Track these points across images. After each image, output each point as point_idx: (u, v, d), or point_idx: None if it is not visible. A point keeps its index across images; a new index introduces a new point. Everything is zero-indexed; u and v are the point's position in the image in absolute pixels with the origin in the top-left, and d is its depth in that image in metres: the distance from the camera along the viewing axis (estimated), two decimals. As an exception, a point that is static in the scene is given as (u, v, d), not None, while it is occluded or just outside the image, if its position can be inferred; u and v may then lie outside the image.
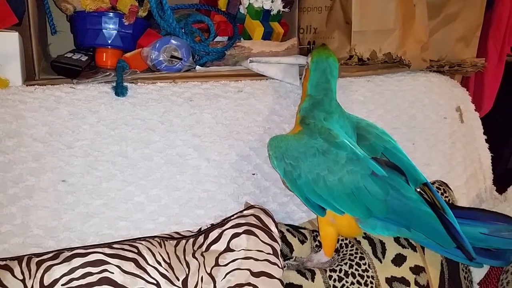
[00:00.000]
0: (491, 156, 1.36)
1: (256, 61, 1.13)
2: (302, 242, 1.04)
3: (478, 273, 1.14)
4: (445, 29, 1.34)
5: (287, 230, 1.04)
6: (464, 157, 1.29)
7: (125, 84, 1.02)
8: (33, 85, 1.00)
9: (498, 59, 1.60)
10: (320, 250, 1.01)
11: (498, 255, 0.99)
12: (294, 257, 1.02)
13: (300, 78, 1.14)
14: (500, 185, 1.34)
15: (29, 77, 1.08)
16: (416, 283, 0.99)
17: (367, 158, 0.91)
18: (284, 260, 1.00)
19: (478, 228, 0.95)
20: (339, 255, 1.03)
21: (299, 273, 0.96)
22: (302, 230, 1.06)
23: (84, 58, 1.13)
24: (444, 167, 1.26)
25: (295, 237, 1.04)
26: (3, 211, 0.90)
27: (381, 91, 1.24)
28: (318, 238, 1.03)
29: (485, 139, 1.36)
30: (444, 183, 1.15)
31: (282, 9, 1.33)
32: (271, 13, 1.31)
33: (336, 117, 0.99)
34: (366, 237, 1.02)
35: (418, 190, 0.94)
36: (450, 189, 1.15)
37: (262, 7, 1.28)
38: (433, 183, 1.14)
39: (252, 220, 0.95)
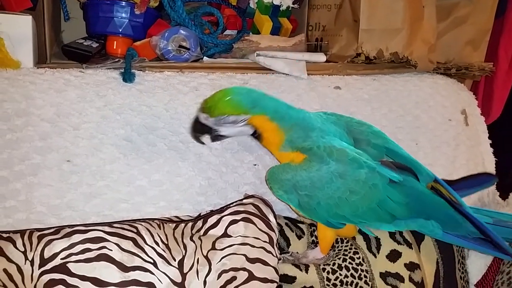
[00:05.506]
0: (501, 163, 1.35)
1: (263, 55, 1.14)
2: (299, 237, 1.05)
3: (475, 274, 1.14)
4: (454, 32, 1.34)
5: (286, 224, 1.06)
6: (467, 160, 1.29)
7: (133, 71, 1.04)
8: (44, 67, 1.03)
9: (508, 67, 1.59)
10: (316, 247, 1.02)
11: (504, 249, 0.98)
12: (291, 252, 1.03)
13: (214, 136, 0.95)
14: (507, 192, 1.33)
15: (41, 61, 1.11)
16: (411, 279, 0.99)
17: (380, 166, 0.91)
18: (281, 254, 1.00)
19: (484, 218, 0.97)
20: (334, 251, 1.03)
21: (293, 265, 0.97)
22: (300, 225, 1.07)
23: (95, 45, 1.16)
24: (447, 168, 1.26)
25: (292, 231, 1.05)
26: (9, 187, 0.93)
27: (386, 90, 1.25)
28: (315, 233, 1.04)
29: (495, 146, 1.35)
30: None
31: (292, 5, 1.35)
32: (281, 8, 1.33)
33: (327, 128, 0.95)
34: (361, 232, 1.03)
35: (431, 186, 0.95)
36: (451, 189, 1.15)
37: (272, 2, 1.30)
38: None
39: (251, 208, 0.97)
